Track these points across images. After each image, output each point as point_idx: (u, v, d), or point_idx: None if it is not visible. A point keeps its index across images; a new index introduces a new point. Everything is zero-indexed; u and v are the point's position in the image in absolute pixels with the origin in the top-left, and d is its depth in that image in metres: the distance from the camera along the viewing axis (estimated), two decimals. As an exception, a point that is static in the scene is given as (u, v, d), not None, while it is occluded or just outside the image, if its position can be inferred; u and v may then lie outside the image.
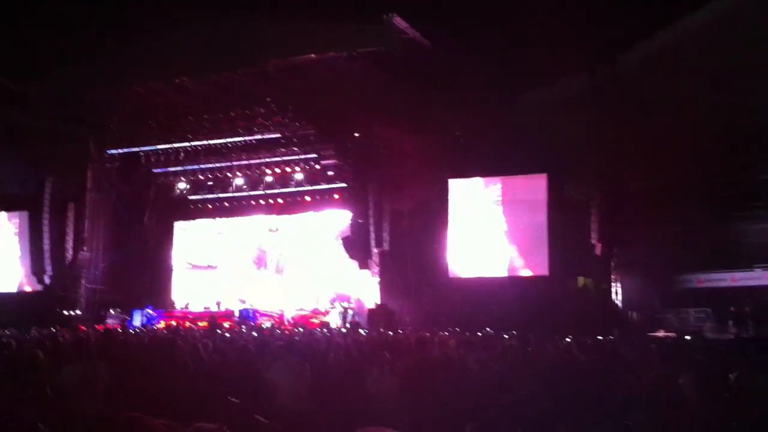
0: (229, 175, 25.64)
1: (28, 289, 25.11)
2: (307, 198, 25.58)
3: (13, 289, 25.28)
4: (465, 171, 21.82)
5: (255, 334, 12.42)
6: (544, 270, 20.47)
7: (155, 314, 23.65)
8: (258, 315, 22.97)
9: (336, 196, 24.73)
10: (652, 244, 19.78)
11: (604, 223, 20.21)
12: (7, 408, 3.73)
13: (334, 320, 21.65)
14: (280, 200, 26.01)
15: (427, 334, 11.07)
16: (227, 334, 14.29)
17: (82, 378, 5.04)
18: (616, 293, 20.51)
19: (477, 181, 21.74)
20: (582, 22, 17.60)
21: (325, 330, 17.74)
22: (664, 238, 19.39)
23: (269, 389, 7.14)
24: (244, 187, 26.02)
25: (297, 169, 24.88)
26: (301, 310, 23.39)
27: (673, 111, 18.22)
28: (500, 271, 20.92)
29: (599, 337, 12.24)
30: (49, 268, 24.53)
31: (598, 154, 19.84)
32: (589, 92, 19.50)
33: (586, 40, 17.96)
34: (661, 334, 16.56)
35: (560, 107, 20.02)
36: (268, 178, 25.50)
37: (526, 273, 20.79)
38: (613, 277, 20.62)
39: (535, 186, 20.98)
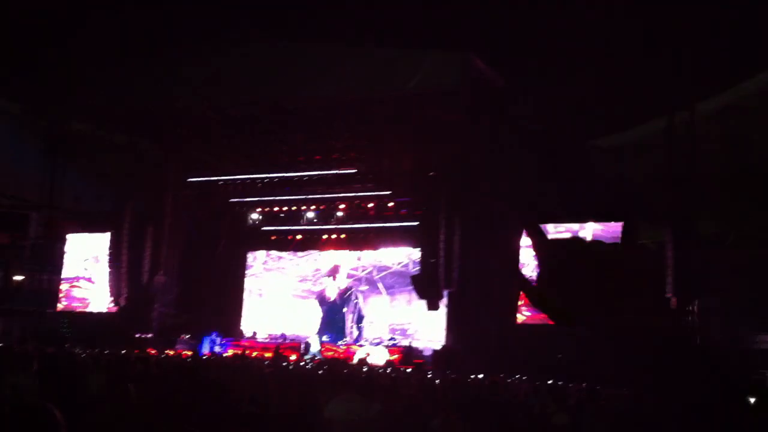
0: (304, 207, 25.97)
1: (104, 310, 25.82)
2: (378, 234, 25.64)
3: (91, 309, 26.06)
4: (537, 216, 21.49)
5: (325, 367, 12.44)
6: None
7: (223, 342, 23.99)
8: (324, 349, 23.06)
9: (406, 234, 24.72)
10: (732, 297, 19.02)
11: (680, 274, 19.57)
12: None
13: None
14: (351, 235, 26.16)
15: (506, 379, 10.92)
16: (291, 366, 14.41)
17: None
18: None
19: (548, 228, 21.39)
20: (659, 69, 17.41)
21: (389, 369, 17.69)
22: (743, 292, 18.64)
23: (326, 425, 7.11)
24: (315, 220, 26.29)
25: (370, 205, 25.01)
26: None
27: (750, 158, 17.75)
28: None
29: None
30: (125, 290, 25.14)
31: (673, 201, 19.40)
32: (665, 139, 19.17)
33: (663, 87, 17.77)
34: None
35: (635, 153, 19.73)
36: (340, 213, 25.65)
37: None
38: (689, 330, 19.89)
39: (611, 234, 20.53)
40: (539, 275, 1.39)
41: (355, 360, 21.45)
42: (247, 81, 20.90)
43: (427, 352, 22.37)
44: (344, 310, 26.12)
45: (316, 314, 26.51)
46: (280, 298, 27.59)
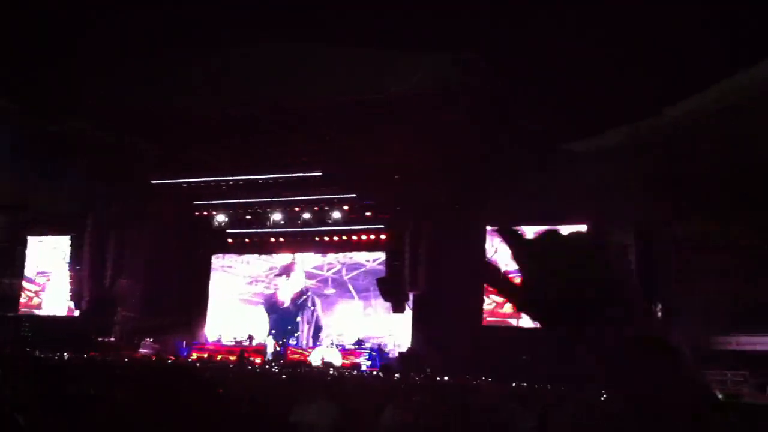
0: (269, 210, 25.72)
1: (64, 313, 25.47)
2: (344, 237, 25.54)
3: (53, 313, 25.70)
4: (503, 218, 21.57)
5: (290, 370, 12.40)
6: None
7: (186, 345, 23.77)
8: (290, 351, 22.93)
9: (372, 237, 24.70)
10: (692, 299, 19.28)
11: (643, 276, 19.82)
12: None
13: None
14: (316, 238, 26.02)
15: (472, 381, 10.99)
16: (257, 370, 14.35)
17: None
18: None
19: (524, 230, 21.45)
20: (628, 74, 17.56)
21: (355, 371, 17.71)
22: (705, 294, 18.91)
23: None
24: (281, 223, 26.05)
25: (335, 208, 24.85)
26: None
27: (720, 162, 17.97)
28: (530, 321, 20.58)
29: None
30: (87, 293, 24.77)
31: (639, 204, 19.62)
32: (633, 143, 19.39)
33: (632, 92, 17.91)
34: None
35: (603, 158, 19.90)
36: (306, 215, 25.43)
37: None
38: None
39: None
40: (522, 280, 1.37)
41: (312, 362, 21.38)
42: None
43: (393, 355, 22.38)
44: (297, 319, 26.06)
45: (279, 314, 26.41)
46: (239, 301, 27.40)
